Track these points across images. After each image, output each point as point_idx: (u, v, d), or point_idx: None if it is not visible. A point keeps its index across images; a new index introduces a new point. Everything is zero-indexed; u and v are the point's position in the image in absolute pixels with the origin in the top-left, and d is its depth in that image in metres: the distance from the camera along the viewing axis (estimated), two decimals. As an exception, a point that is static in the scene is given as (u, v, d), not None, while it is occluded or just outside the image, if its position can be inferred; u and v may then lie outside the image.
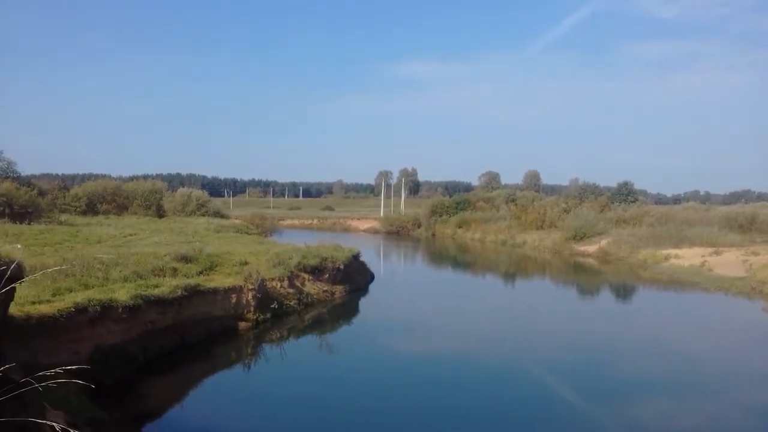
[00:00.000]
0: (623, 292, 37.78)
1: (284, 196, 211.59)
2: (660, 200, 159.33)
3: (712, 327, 27.36)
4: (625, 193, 79.00)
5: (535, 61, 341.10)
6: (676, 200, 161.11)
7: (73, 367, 4.20)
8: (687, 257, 44.57)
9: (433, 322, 26.72)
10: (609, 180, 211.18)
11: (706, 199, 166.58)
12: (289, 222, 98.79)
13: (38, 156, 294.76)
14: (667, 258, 45.86)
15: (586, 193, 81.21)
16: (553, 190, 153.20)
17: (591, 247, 55.36)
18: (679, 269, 42.27)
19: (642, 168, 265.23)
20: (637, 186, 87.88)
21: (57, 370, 3.90)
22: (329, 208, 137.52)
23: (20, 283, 8.66)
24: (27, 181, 57.30)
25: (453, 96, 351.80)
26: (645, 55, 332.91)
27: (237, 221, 62.77)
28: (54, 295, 16.11)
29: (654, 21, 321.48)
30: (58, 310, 14.94)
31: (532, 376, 18.59)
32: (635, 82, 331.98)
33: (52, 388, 4.82)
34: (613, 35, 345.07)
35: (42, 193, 54.29)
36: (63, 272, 17.22)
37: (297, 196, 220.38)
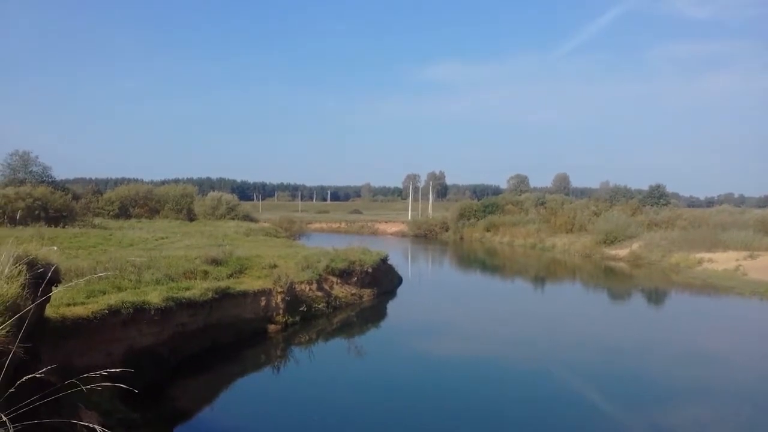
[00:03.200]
0: (655, 296, 37.17)
1: (312, 200, 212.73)
2: (693, 203, 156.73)
3: (748, 332, 26.75)
4: (657, 196, 77.97)
5: (565, 63, 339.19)
6: (710, 203, 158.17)
7: (117, 370, 4.27)
8: (721, 261, 43.74)
9: (462, 325, 26.59)
10: (640, 183, 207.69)
11: (741, 201, 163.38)
12: (317, 225, 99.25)
13: (72, 161, 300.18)
14: (700, 262, 45.07)
15: (616, 196, 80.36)
16: (582, 193, 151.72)
17: (622, 251, 54.61)
18: (713, 273, 41.49)
19: (674, 170, 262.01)
20: (670, 189, 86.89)
21: (102, 372, 3.96)
22: (357, 212, 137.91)
23: (56, 287, 8.81)
24: (62, 186, 58.52)
25: (481, 98, 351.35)
26: (677, 56, 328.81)
27: (266, 225, 63.31)
28: (88, 297, 16.38)
29: (687, 21, 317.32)
30: (92, 312, 15.19)
31: (562, 380, 18.37)
32: (667, 83, 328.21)
33: (86, 391, 4.89)
34: (644, 36, 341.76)
35: (76, 197, 55.34)
36: (96, 277, 17.51)
37: (325, 199, 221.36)
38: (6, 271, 6.05)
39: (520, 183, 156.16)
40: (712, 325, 28.20)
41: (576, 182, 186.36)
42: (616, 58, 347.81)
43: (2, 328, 4.34)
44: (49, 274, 6.80)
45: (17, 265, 6.54)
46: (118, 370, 4.26)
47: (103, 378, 3.99)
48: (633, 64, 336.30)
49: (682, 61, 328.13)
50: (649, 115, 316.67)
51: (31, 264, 7.32)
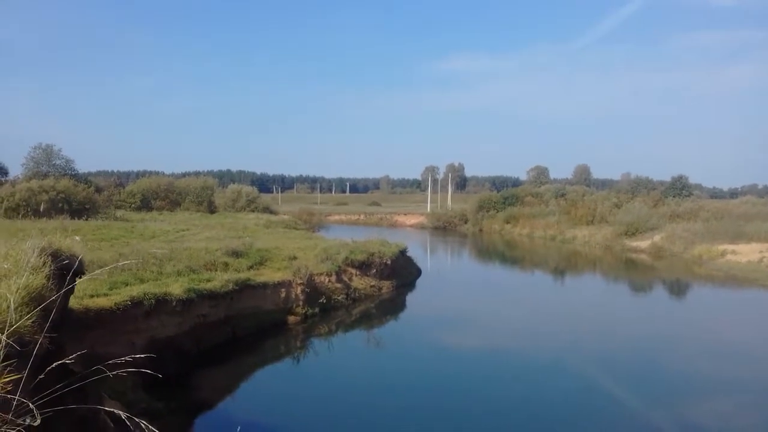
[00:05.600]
0: (678, 288, 36.82)
1: (331, 192, 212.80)
2: (716, 194, 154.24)
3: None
4: (679, 188, 77.00)
5: (586, 54, 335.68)
6: (733, 194, 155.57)
7: (142, 356, 4.33)
8: (744, 253, 43.17)
9: (482, 318, 26.53)
10: (662, 174, 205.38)
11: (765, 192, 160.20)
12: (336, 217, 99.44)
13: (94, 154, 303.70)
14: (723, 254, 44.52)
15: (638, 187, 79.57)
16: (603, 184, 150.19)
17: (643, 243, 54.10)
18: (736, 265, 40.98)
19: (697, 161, 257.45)
20: (692, 180, 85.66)
21: (126, 358, 4.02)
22: (376, 204, 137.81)
23: (80, 278, 8.94)
24: (84, 179, 59.13)
25: (501, 90, 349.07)
26: (701, 45, 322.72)
27: (285, 217, 63.62)
28: (111, 288, 16.61)
29: (712, 9, 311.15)
30: (115, 303, 15.40)
31: (584, 374, 18.28)
32: (691, 73, 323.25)
33: (110, 380, 4.97)
34: (667, 25, 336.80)
35: (99, 190, 55.91)
36: (119, 266, 17.73)
37: (344, 191, 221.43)
38: (31, 262, 6.15)
39: (540, 175, 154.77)
40: (736, 317, 27.84)
41: (597, 174, 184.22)
42: (638, 48, 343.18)
43: (28, 319, 4.42)
44: (74, 265, 6.90)
45: (42, 256, 6.65)
46: (142, 356, 4.31)
47: (127, 363, 4.04)
48: (656, 54, 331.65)
49: (706, 50, 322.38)
50: (672, 105, 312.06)
51: (56, 255, 7.43)
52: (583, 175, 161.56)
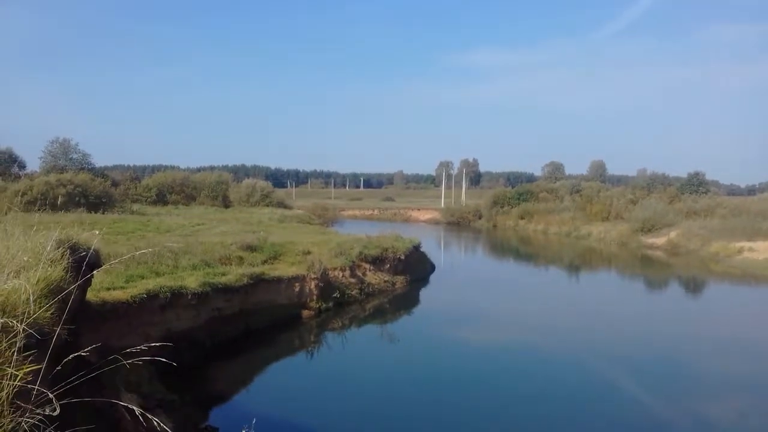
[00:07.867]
0: (694, 286, 36.50)
1: (345, 187, 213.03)
2: (733, 191, 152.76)
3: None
4: (696, 184, 76.18)
5: (606, 47, 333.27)
6: (751, 191, 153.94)
7: (157, 344, 4.38)
8: (762, 250, 42.69)
9: (495, 314, 26.47)
10: (679, 170, 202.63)
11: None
12: (350, 212, 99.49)
13: (111, 148, 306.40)
14: (740, 251, 44.05)
15: (654, 183, 78.82)
16: (619, 180, 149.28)
17: (659, 240, 53.67)
18: (754, 263, 40.55)
19: (714, 157, 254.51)
20: (709, 176, 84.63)
21: (142, 347, 4.07)
22: (390, 199, 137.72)
23: (97, 270, 9.01)
24: (101, 173, 59.61)
25: (516, 84, 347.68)
26: (724, 39, 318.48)
27: (299, 211, 63.67)
28: (127, 281, 16.75)
29: (736, 2, 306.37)
30: (131, 296, 15.53)
31: (599, 371, 18.19)
32: (712, 67, 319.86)
33: (126, 372, 5.03)
34: (690, 18, 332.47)
35: (115, 184, 56.39)
36: (135, 260, 17.87)
37: (358, 186, 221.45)
38: (50, 254, 6.21)
39: (555, 170, 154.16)
40: (753, 315, 27.57)
41: (612, 170, 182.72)
42: (658, 42, 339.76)
43: (47, 310, 4.48)
44: (91, 258, 6.98)
45: (60, 249, 6.70)
46: (156, 344, 4.37)
47: (143, 352, 4.10)
48: (677, 48, 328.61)
49: (729, 44, 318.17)
50: (691, 100, 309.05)
51: (73, 248, 7.49)
52: (599, 171, 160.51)
